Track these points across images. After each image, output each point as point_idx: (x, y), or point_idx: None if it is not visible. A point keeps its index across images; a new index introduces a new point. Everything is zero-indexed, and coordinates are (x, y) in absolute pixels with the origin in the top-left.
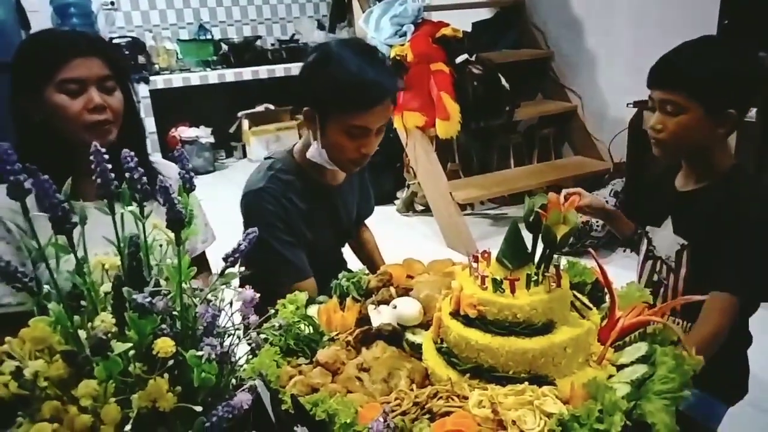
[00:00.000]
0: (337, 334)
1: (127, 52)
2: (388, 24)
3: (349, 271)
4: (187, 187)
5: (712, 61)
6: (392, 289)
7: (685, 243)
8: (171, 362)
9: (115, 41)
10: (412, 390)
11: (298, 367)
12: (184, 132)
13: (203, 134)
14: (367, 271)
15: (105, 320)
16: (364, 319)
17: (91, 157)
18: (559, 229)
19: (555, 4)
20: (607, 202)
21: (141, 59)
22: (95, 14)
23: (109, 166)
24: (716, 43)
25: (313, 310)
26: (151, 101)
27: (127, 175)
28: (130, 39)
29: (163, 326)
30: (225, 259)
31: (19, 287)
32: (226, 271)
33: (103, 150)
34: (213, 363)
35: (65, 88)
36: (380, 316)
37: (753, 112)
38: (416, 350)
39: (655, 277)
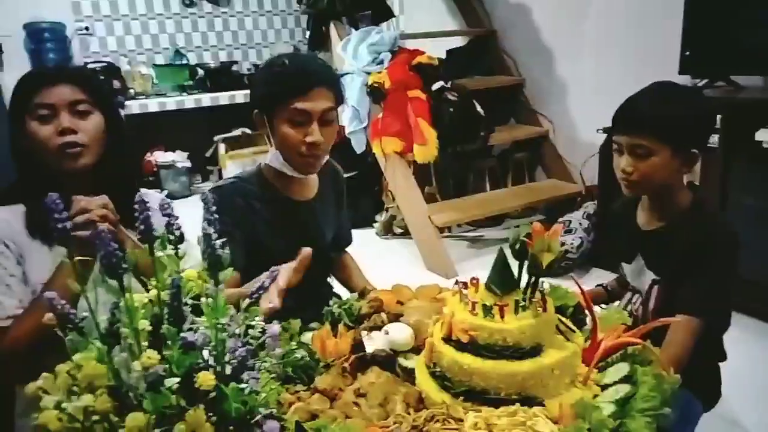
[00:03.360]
0: (332, 361)
1: (102, 77)
2: (365, 52)
3: (339, 297)
4: (214, 231)
5: (676, 105)
6: (383, 315)
7: (656, 278)
8: (213, 394)
9: (89, 66)
10: (408, 414)
11: (296, 394)
12: (160, 156)
13: (179, 158)
14: (357, 298)
15: (151, 357)
16: (357, 345)
17: (135, 206)
18: (545, 257)
19: (525, 33)
20: (580, 224)
21: (116, 84)
22: (69, 39)
23: (151, 213)
24: (675, 87)
25: (306, 337)
26: (126, 126)
27: (166, 220)
28: (105, 64)
29: (199, 361)
30: (250, 296)
31: (71, 327)
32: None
33: (147, 200)
34: (253, 394)
35: (37, 114)
36: (373, 342)
37: (715, 138)
38: (409, 374)
39: (629, 307)
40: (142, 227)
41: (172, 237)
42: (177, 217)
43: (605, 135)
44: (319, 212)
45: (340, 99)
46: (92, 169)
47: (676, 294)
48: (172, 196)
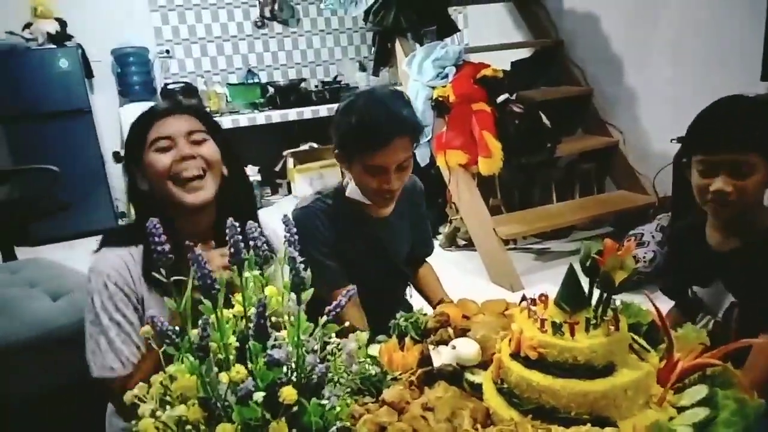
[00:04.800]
0: (400, 374)
1: (180, 97)
2: (430, 67)
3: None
4: (294, 248)
5: None
6: (450, 330)
7: (735, 301)
8: (295, 408)
9: (169, 87)
10: (476, 429)
11: (365, 406)
12: None
13: (250, 172)
14: (424, 311)
15: (240, 371)
16: (424, 359)
17: (226, 230)
18: (617, 275)
19: (593, 42)
20: (653, 237)
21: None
22: (152, 62)
23: (241, 237)
24: (755, 99)
25: (373, 350)
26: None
27: (251, 243)
28: (183, 84)
29: (281, 376)
30: (327, 314)
31: (168, 343)
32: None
33: (237, 224)
34: (332, 409)
35: (157, 146)
36: (440, 356)
37: None
38: (476, 390)
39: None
40: (231, 250)
41: (258, 259)
42: (265, 240)
43: (679, 144)
44: (395, 229)
45: (418, 140)
46: (212, 203)
47: (760, 315)
48: None
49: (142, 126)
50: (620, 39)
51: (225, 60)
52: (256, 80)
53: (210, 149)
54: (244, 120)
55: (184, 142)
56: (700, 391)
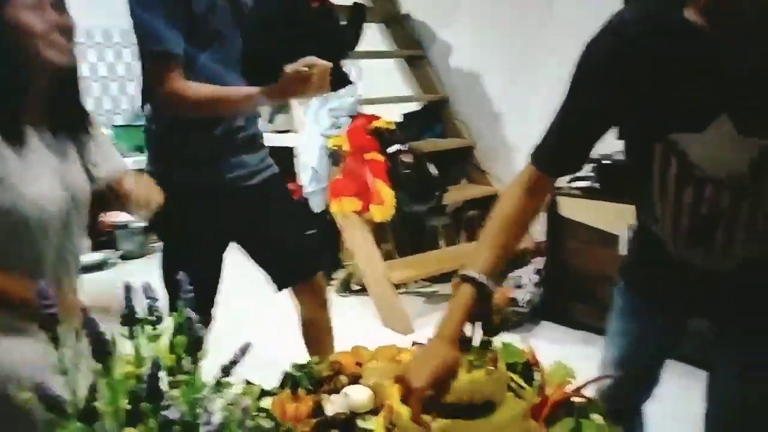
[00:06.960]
0: (293, 425)
1: None
2: (326, 116)
3: None
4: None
5: None
6: (342, 378)
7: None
8: None
9: None
10: None
11: None
12: (115, 216)
13: (134, 218)
14: (317, 360)
15: None
16: (318, 409)
17: (121, 295)
18: (495, 319)
19: (475, 99)
20: (530, 279)
21: None
22: None
23: (136, 298)
24: None
25: (266, 402)
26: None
27: (147, 302)
28: None
29: None
30: (223, 370)
31: (53, 409)
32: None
33: (133, 286)
34: None
35: (24, 3)
36: (333, 405)
37: None
38: None
39: (704, 209)
40: (126, 311)
41: (152, 319)
42: (157, 299)
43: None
44: None
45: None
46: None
47: None
48: (127, 256)
49: None
50: (501, 97)
51: (111, 100)
52: (143, 122)
53: (71, 20)
54: (129, 163)
55: (52, 10)
56: (568, 422)
